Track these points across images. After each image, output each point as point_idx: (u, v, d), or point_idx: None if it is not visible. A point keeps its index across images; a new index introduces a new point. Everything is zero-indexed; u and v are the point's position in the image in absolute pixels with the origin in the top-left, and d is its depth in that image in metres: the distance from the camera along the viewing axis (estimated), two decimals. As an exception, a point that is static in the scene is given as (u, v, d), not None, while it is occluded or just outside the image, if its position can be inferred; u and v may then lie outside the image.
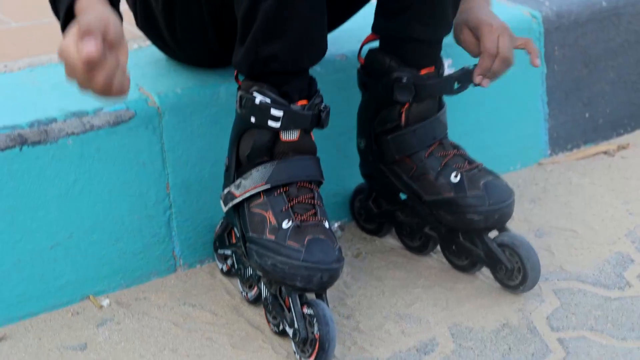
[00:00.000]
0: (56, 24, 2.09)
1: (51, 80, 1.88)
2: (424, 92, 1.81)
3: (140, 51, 1.97)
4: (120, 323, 1.74)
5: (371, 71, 1.85)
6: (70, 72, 1.37)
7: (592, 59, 2.30)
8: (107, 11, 1.42)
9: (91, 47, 1.30)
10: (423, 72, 1.81)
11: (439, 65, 1.84)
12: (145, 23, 1.90)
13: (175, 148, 1.83)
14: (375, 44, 1.86)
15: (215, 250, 1.84)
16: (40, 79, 1.89)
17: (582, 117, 2.31)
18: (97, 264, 1.80)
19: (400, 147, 1.83)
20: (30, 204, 1.71)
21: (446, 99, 1.89)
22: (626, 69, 2.37)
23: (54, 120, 1.72)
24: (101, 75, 1.33)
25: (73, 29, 1.34)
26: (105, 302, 1.80)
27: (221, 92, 1.85)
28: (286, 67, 1.64)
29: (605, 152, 2.29)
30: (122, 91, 1.39)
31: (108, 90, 1.37)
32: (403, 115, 1.83)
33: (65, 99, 1.78)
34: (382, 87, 1.82)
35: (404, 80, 1.79)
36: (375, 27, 1.84)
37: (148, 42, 1.96)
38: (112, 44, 1.36)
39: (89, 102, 1.76)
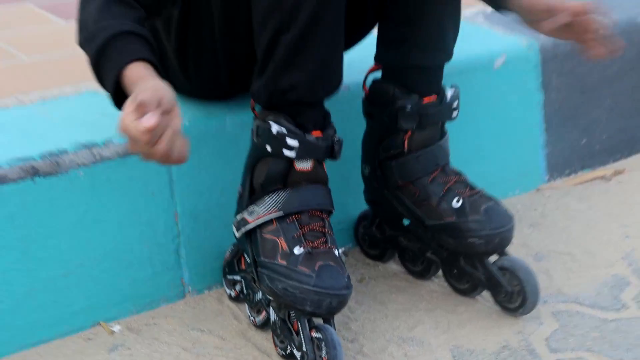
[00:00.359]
0: (66, 59, 2.13)
1: (62, 112, 1.89)
2: (427, 120, 1.82)
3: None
4: (131, 348, 1.75)
5: (375, 100, 1.86)
6: (133, 145, 1.39)
7: (589, 86, 2.31)
8: (157, 81, 1.45)
9: (150, 122, 1.32)
10: (426, 100, 1.82)
11: (441, 92, 1.84)
12: (160, 62, 1.89)
13: (183, 178, 1.83)
14: (379, 73, 1.86)
15: (224, 276, 1.85)
16: (51, 112, 1.89)
17: (579, 143, 2.31)
18: (108, 291, 1.80)
19: (403, 173, 1.84)
20: (43, 233, 1.71)
21: (448, 126, 1.89)
22: (621, 97, 2.37)
23: (65, 152, 1.73)
24: (161, 146, 1.34)
25: (131, 105, 1.36)
26: (116, 328, 1.80)
27: (227, 123, 1.86)
28: (303, 98, 1.65)
29: (602, 178, 2.29)
30: (182, 157, 1.40)
31: (169, 158, 1.38)
32: (406, 142, 1.84)
33: (76, 131, 1.79)
34: (387, 116, 1.83)
35: (408, 108, 1.80)
36: (378, 57, 1.85)
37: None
38: (167, 112, 1.37)
39: (98, 133, 1.78)
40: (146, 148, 1.37)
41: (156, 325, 1.81)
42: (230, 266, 1.82)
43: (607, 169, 2.34)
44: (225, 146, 1.86)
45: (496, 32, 2.27)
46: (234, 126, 1.86)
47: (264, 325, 1.75)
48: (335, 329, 1.63)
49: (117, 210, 1.79)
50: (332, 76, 1.68)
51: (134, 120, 1.35)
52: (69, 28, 2.28)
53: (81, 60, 2.08)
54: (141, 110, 1.33)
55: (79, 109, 1.90)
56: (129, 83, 1.50)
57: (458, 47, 1.87)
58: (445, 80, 1.87)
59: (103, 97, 1.90)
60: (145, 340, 1.77)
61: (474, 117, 1.95)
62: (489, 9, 2.35)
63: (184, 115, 1.83)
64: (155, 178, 1.81)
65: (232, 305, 1.85)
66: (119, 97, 1.50)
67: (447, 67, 1.87)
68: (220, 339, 1.77)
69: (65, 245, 1.74)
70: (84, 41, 1.58)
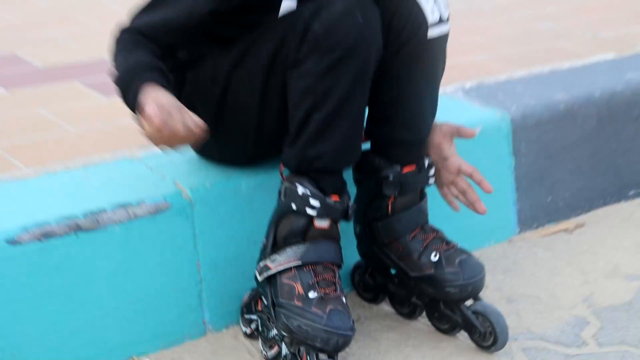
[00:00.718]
0: (106, 129, 2.15)
1: (102, 176, 1.89)
2: (407, 187, 1.83)
3: (177, 152, 1.97)
4: None
5: (363, 169, 1.86)
6: (155, 139, 1.56)
7: (553, 152, 2.31)
8: (159, 90, 1.58)
9: (149, 111, 1.50)
10: (406, 169, 1.82)
11: (420, 162, 1.84)
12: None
13: (204, 233, 1.84)
14: (367, 145, 1.86)
15: (242, 315, 1.84)
16: (92, 176, 1.90)
17: (545, 201, 2.31)
18: (139, 329, 1.80)
19: (388, 232, 1.84)
20: (84, 280, 1.72)
21: (432, 187, 1.90)
22: (581, 161, 2.37)
23: (104, 210, 1.73)
24: (175, 125, 1.51)
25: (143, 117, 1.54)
26: None
27: (242, 186, 1.86)
28: (327, 167, 1.68)
29: (565, 230, 2.29)
30: (198, 125, 1.55)
31: (190, 132, 1.54)
32: (390, 206, 1.83)
33: (113, 193, 1.80)
34: (373, 183, 1.84)
35: (390, 177, 1.81)
36: (367, 131, 1.85)
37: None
38: (167, 105, 1.53)
39: (133, 195, 1.79)
40: (163, 134, 1.53)
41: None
42: (248, 307, 1.82)
43: (569, 223, 2.33)
44: (240, 205, 1.86)
45: (474, 106, 2.28)
46: (248, 188, 1.86)
47: (275, 359, 1.74)
48: None
49: (148, 260, 1.79)
50: (353, 150, 1.72)
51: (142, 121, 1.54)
52: (110, 103, 2.32)
53: (118, 131, 2.13)
54: (142, 111, 1.53)
55: (116, 174, 1.91)
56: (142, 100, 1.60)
57: (442, 118, 1.88)
58: None
59: (136, 162, 1.95)
60: (171, 372, 1.78)
61: None
62: (467, 85, 2.40)
63: (206, 179, 1.88)
64: (181, 233, 1.82)
65: (246, 342, 1.84)
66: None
67: None
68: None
69: (103, 291, 1.75)
70: (116, 79, 1.71)
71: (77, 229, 1.70)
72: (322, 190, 1.68)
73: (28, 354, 1.70)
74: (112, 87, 2.33)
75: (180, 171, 1.90)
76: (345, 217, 1.72)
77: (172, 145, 1.59)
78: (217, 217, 1.85)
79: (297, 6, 1.73)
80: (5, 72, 2.57)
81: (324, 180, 1.69)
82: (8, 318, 1.66)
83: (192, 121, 1.55)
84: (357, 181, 1.90)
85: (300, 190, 1.67)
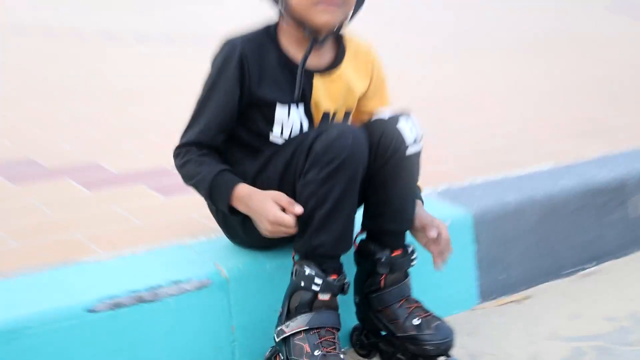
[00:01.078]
0: (165, 222, 2.14)
1: (160, 259, 1.90)
2: (395, 267, 1.83)
3: (216, 240, 1.99)
4: None
5: (361, 253, 1.87)
6: (275, 230, 1.67)
7: (506, 240, 2.32)
8: (262, 191, 1.70)
9: (299, 209, 1.64)
10: (394, 253, 1.82)
11: (405, 248, 1.85)
12: (224, 224, 1.91)
13: (237, 303, 1.83)
14: (363, 234, 1.87)
15: None
16: (153, 259, 1.90)
17: (500, 277, 2.30)
18: None
19: (381, 302, 1.84)
20: (145, 341, 1.72)
21: (414, 269, 1.89)
22: (528, 247, 2.37)
23: (161, 286, 1.74)
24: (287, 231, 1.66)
25: (274, 206, 1.66)
26: None
27: (266, 267, 1.87)
28: (327, 254, 1.69)
29: (516, 301, 2.28)
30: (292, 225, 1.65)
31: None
32: (382, 281, 1.83)
33: (168, 272, 1.80)
34: (369, 264, 1.84)
35: (382, 259, 1.81)
36: (363, 224, 1.86)
37: (221, 233, 1.97)
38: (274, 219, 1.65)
39: (183, 274, 1.79)
40: (287, 228, 1.65)
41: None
42: (273, 359, 1.80)
43: (519, 295, 2.32)
44: (265, 283, 1.86)
45: (444, 204, 2.29)
46: (271, 268, 1.87)
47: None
48: None
49: (193, 325, 1.79)
50: (347, 240, 1.73)
51: (281, 213, 1.64)
52: (167, 202, 2.34)
53: (173, 224, 2.15)
54: (281, 205, 1.65)
55: (171, 257, 1.91)
56: (240, 197, 1.70)
57: None
58: (412, 240, 1.89)
59: (186, 248, 1.95)
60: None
61: (430, 262, 1.96)
62: (439, 189, 2.42)
63: (239, 261, 1.87)
64: (220, 303, 1.81)
65: None
66: (231, 210, 1.73)
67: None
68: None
69: (159, 349, 1.74)
70: (197, 182, 1.77)
71: (140, 300, 1.71)
72: (324, 271, 1.68)
73: None
74: (170, 189, 2.40)
75: (219, 255, 1.90)
76: (342, 291, 1.72)
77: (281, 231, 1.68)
78: (247, 291, 1.85)
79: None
80: (89, 177, 2.60)
81: (325, 263, 1.69)
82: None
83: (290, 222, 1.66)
84: (357, 262, 1.89)
85: (307, 271, 1.68)
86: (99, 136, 3.16)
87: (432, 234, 1.84)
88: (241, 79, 1.74)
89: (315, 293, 1.69)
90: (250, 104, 1.77)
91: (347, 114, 1.90)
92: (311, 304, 1.70)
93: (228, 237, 1.95)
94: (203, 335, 1.80)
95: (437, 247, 1.86)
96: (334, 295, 1.71)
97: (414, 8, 8.64)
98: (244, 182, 1.72)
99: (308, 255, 1.70)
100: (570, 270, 2.46)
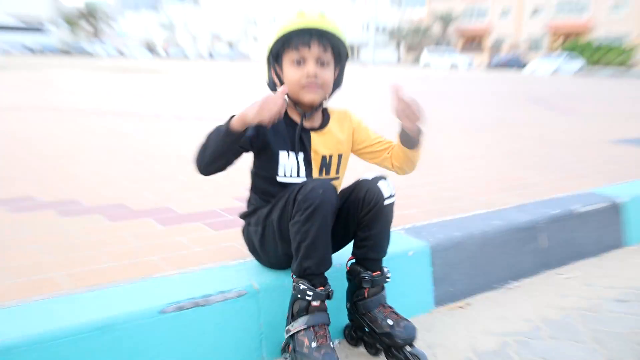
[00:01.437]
0: (214, 249, 2.12)
1: (211, 275, 1.87)
2: (375, 283, 1.82)
3: (250, 262, 1.98)
4: None
5: (351, 273, 1.86)
6: (264, 110, 1.54)
7: (453, 264, 2.31)
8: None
9: (285, 89, 1.54)
10: (375, 273, 1.82)
11: (382, 270, 1.83)
12: (252, 248, 1.92)
13: (265, 307, 1.82)
14: (353, 260, 1.87)
15: (282, 353, 1.80)
16: (206, 275, 1.88)
17: (449, 290, 2.29)
18: None
19: (365, 308, 1.83)
20: (199, 335, 1.70)
21: (389, 285, 1.88)
22: (469, 268, 2.36)
23: (211, 294, 1.74)
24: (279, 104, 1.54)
25: (257, 100, 1.54)
26: None
27: (284, 282, 1.85)
28: (314, 272, 1.67)
29: (460, 307, 2.26)
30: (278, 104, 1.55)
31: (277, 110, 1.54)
32: (366, 293, 1.83)
33: (217, 285, 1.79)
34: (357, 281, 1.84)
35: (366, 278, 1.81)
36: (353, 253, 1.85)
37: (252, 257, 1.97)
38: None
39: (227, 286, 1.79)
40: (274, 109, 1.52)
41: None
42: (284, 350, 1.78)
43: (462, 302, 2.30)
44: (283, 293, 1.84)
45: (410, 238, 2.28)
46: (287, 283, 1.84)
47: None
48: None
49: (233, 323, 1.77)
50: (327, 262, 1.69)
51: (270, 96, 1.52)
52: (217, 235, 2.33)
53: (221, 250, 2.13)
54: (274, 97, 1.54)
55: (219, 274, 1.90)
56: (236, 117, 1.58)
57: (393, 246, 1.87)
58: (387, 263, 1.87)
59: (230, 267, 1.93)
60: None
61: (401, 278, 1.95)
62: (407, 227, 2.42)
63: (265, 278, 1.86)
64: (253, 307, 1.80)
65: None
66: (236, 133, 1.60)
67: (388, 258, 1.87)
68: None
69: (209, 339, 1.72)
70: (206, 141, 1.65)
71: (197, 305, 1.70)
72: (314, 285, 1.66)
73: None
74: (218, 226, 2.40)
75: (252, 273, 1.90)
76: (328, 297, 1.70)
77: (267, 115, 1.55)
78: (271, 298, 1.84)
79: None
80: (163, 217, 2.59)
81: (314, 280, 1.67)
82: (159, 356, 1.65)
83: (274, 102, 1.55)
84: (348, 279, 1.88)
85: (302, 286, 1.66)
86: (169, 188, 3.17)
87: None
88: (258, 127, 1.73)
89: (309, 301, 1.67)
90: (263, 147, 1.76)
91: (339, 157, 1.85)
92: (307, 309, 1.68)
93: (256, 259, 1.95)
94: (240, 330, 1.79)
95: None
96: (322, 301, 1.69)
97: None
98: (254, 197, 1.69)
99: (301, 275, 1.68)
100: (498, 285, 2.45)
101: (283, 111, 1.59)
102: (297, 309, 1.68)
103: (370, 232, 1.77)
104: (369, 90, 10.88)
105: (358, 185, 1.78)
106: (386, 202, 1.73)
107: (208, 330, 1.73)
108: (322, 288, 1.68)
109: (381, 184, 1.74)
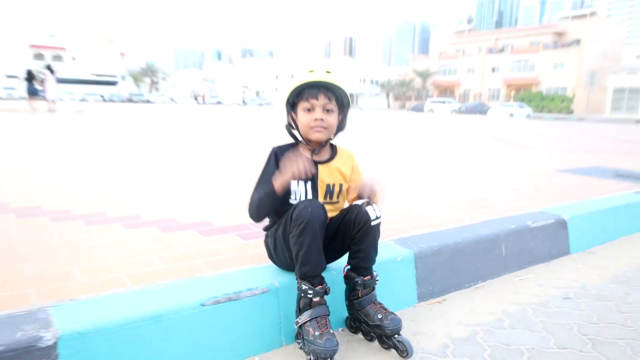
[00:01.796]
0: (247, 254, 2.08)
1: (241, 276, 1.84)
2: (367, 286, 1.79)
3: (272, 265, 1.95)
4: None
5: (347, 277, 1.82)
6: (296, 173, 1.56)
7: (432, 267, 2.27)
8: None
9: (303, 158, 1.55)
10: (365, 278, 1.78)
11: (372, 274, 1.79)
12: (270, 255, 1.89)
13: (283, 302, 1.80)
14: (348, 267, 1.83)
15: (295, 339, 1.78)
16: (240, 275, 1.85)
17: (429, 288, 2.25)
18: (257, 343, 1.73)
19: (359, 305, 1.79)
20: (231, 323, 1.66)
21: (383, 285, 1.86)
22: (444, 272, 2.32)
23: (242, 291, 1.73)
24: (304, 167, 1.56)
25: (286, 162, 1.59)
26: (257, 358, 1.71)
27: (294, 281, 1.82)
28: (311, 275, 1.65)
29: (438, 302, 2.22)
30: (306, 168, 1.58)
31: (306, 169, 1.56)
32: (360, 293, 1.79)
33: (246, 283, 1.78)
34: (352, 284, 1.80)
35: (359, 282, 1.78)
36: (348, 262, 1.81)
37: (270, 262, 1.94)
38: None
39: (254, 284, 1.76)
40: (299, 169, 1.55)
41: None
42: (297, 336, 1.76)
43: (440, 299, 2.25)
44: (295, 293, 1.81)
45: (398, 247, 2.25)
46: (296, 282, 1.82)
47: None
48: None
49: (259, 312, 1.74)
50: (321, 266, 1.67)
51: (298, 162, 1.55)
52: (247, 243, 2.29)
53: (252, 257, 2.07)
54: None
55: (251, 274, 1.86)
56: (274, 180, 1.62)
57: (385, 253, 1.86)
58: (380, 267, 1.86)
59: (268, 269, 1.89)
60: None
61: (391, 279, 1.91)
62: (395, 238, 2.37)
63: (283, 277, 1.82)
64: (274, 300, 1.78)
65: (299, 350, 1.77)
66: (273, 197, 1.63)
67: (381, 262, 1.85)
68: (294, 364, 1.70)
69: (239, 327, 1.70)
70: (256, 199, 1.67)
71: (230, 299, 1.69)
72: (313, 285, 1.64)
73: (207, 348, 1.63)
74: (248, 236, 2.39)
75: (274, 274, 1.86)
76: (326, 293, 1.67)
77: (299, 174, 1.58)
78: (288, 294, 1.82)
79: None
80: (203, 229, 2.57)
81: (312, 280, 1.65)
82: (200, 340, 1.63)
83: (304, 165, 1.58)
84: (345, 282, 1.84)
85: (304, 287, 1.65)
86: (208, 205, 3.15)
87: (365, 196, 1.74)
88: (276, 163, 1.75)
89: (311, 298, 1.65)
90: None
91: (340, 186, 1.83)
92: (310, 304, 1.66)
93: (274, 263, 1.93)
94: (264, 320, 1.78)
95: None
96: (321, 297, 1.67)
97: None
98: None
99: (302, 277, 1.67)
100: (469, 285, 2.41)
101: (308, 166, 1.63)
102: (302, 304, 1.67)
103: (361, 246, 1.74)
104: (365, 128, 10.88)
105: (351, 208, 1.76)
106: (373, 222, 1.71)
107: (239, 320, 1.71)
108: (320, 286, 1.66)
109: (369, 209, 1.71)
